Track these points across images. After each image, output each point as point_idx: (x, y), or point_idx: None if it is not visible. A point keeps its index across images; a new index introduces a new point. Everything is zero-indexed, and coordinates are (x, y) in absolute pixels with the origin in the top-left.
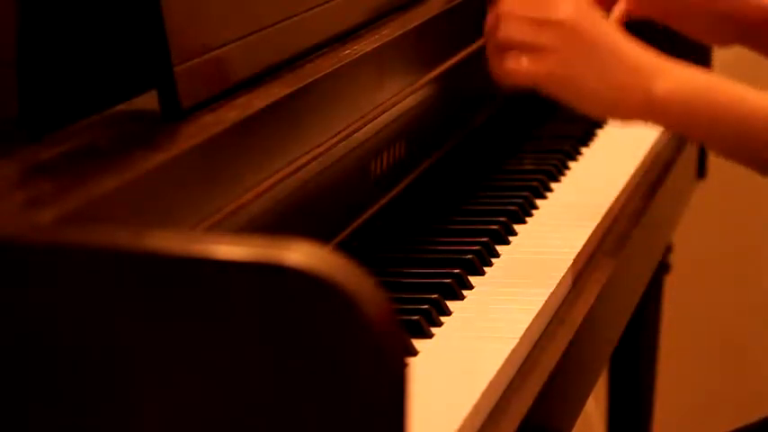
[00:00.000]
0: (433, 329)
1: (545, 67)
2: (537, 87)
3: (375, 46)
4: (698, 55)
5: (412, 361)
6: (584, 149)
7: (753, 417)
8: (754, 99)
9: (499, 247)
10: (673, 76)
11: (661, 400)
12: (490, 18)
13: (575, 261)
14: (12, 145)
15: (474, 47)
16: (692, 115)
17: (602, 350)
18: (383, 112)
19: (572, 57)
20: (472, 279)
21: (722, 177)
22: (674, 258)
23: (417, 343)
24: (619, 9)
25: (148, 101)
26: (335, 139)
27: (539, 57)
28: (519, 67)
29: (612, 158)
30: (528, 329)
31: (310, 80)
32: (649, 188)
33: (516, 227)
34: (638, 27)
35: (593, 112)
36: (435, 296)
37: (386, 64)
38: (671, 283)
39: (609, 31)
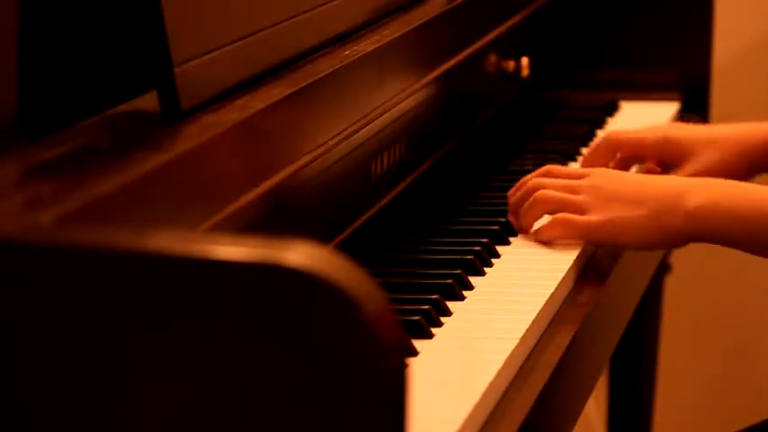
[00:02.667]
0: (434, 330)
1: (589, 220)
2: (589, 241)
3: (375, 46)
4: (697, 53)
5: (412, 361)
6: (584, 150)
7: (753, 417)
8: None
9: (499, 248)
10: (701, 185)
11: (661, 400)
12: (520, 190)
13: (575, 261)
14: (12, 145)
15: (474, 47)
16: (733, 218)
17: (602, 350)
18: (383, 113)
19: (608, 201)
20: (472, 279)
21: None
22: (674, 258)
23: (417, 343)
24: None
25: (148, 101)
26: (335, 140)
27: (580, 213)
28: (570, 221)
29: None
30: (528, 330)
31: (310, 80)
32: None
33: None
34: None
35: (637, 243)
36: (436, 296)
37: (386, 64)
38: (671, 283)
39: (631, 174)
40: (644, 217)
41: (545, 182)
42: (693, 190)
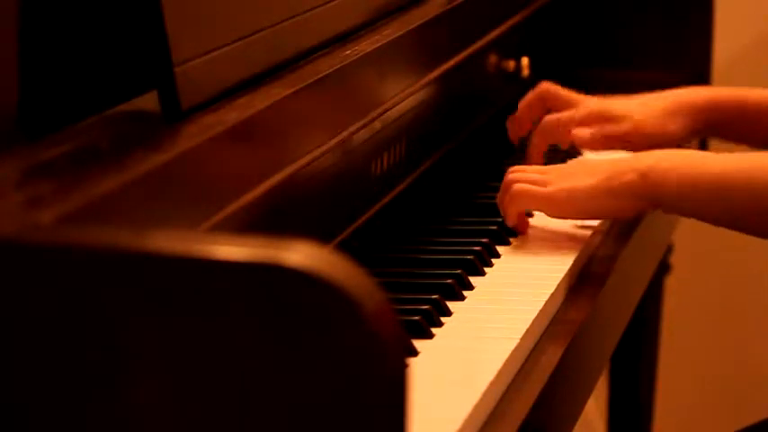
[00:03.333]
0: (434, 330)
1: (545, 190)
2: (544, 210)
3: (375, 46)
4: (697, 53)
5: (412, 361)
6: (585, 150)
7: (753, 417)
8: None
9: (499, 248)
10: (659, 152)
11: (661, 400)
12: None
13: (575, 262)
14: (12, 145)
15: (474, 47)
16: (685, 181)
17: (602, 350)
18: (383, 113)
19: (567, 176)
20: (472, 279)
21: None
22: (674, 258)
23: (417, 343)
24: None
25: (148, 101)
26: (336, 140)
27: (543, 185)
28: (525, 197)
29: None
30: (528, 330)
31: (310, 80)
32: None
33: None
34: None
35: (598, 209)
36: (436, 296)
37: (386, 64)
38: (671, 283)
39: (589, 162)
40: (598, 182)
41: (518, 175)
42: (646, 155)
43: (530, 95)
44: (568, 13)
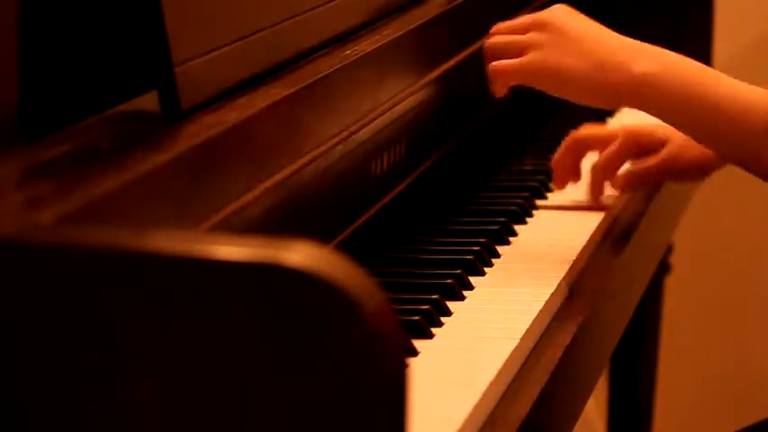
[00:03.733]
0: (434, 330)
1: (530, 60)
2: (525, 82)
3: (375, 46)
4: (697, 53)
5: (412, 361)
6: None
7: (753, 417)
8: (747, 87)
9: (499, 248)
10: (655, 57)
11: (661, 400)
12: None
13: (575, 261)
14: (12, 145)
15: (474, 47)
16: (677, 96)
17: (602, 350)
18: (383, 113)
19: (555, 46)
20: (472, 279)
21: (722, 177)
22: (674, 258)
23: (417, 343)
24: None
25: (148, 101)
26: (336, 140)
27: (526, 53)
28: (507, 64)
29: None
30: (528, 330)
31: (310, 80)
32: (650, 188)
33: (516, 227)
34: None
35: (576, 95)
36: (436, 296)
37: (386, 64)
38: (671, 283)
39: (593, 24)
40: (582, 69)
41: (497, 27)
42: (643, 55)
43: (567, 144)
44: None
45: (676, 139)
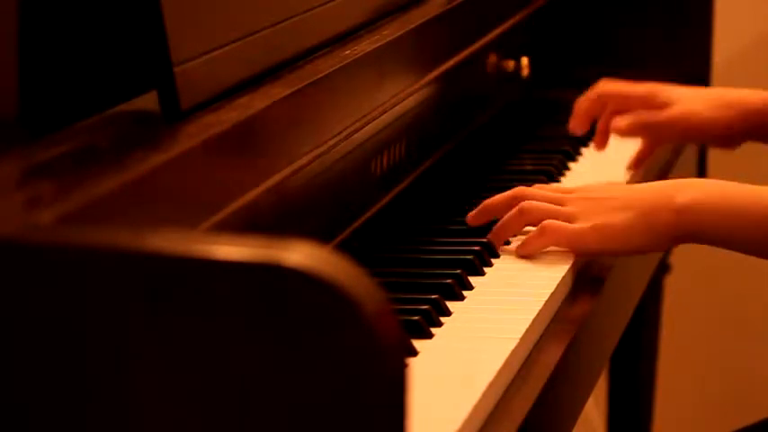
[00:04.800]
0: (433, 330)
1: (581, 227)
2: (576, 250)
3: (375, 46)
4: (697, 53)
5: (412, 361)
6: (584, 150)
7: (753, 417)
8: None
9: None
10: (693, 186)
11: (661, 400)
12: (507, 199)
13: (575, 261)
14: (12, 145)
15: (474, 47)
16: (728, 216)
17: (602, 350)
18: (383, 113)
19: (595, 210)
20: (472, 279)
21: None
22: (674, 258)
23: (417, 343)
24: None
25: (148, 101)
26: (336, 140)
27: (569, 222)
28: (561, 228)
29: (612, 159)
30: (528, 330)
31: (310, 80)
32: None
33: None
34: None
35: (630, 247)
36: (435, 296)
37: (386, 64)
38: (671, 283)
39: (614, 186)
40: (631, 219)
41: (529, 191)
42: (682, 188)
43: (588, 93)
44: (568, 13)
45: (683, 104)
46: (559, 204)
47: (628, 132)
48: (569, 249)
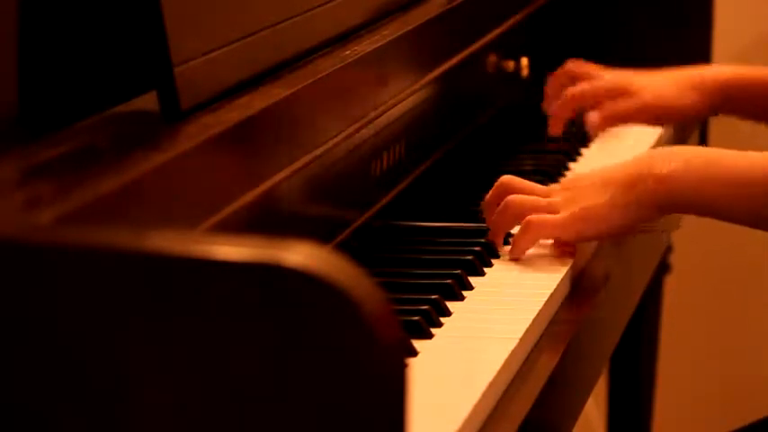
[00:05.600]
0: (433, 330)
1: (563, 216)
2: (563, 237)
3: (375, 46)
4: (697, 53)
5: (412, 361)
6: (583, 150)
7: (753, 416)
8: (755, 153)
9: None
10: (670, 156)
11: (661, 400)
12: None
13: (575, 261)
14: (12, 145)
15: (474, 47)
16: (705, 180)
17: (602, 350)
18: (383, 113)
19: (577, 197)
20: (472, 280)
21: None
22: (674, 258)
23: (417, 343)
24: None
25: (148, 101)
26: (336, 140)
27: (553, 212)
28: (546, 220)
29: (612, 159)
30: (528, 330)
31: (310, 80)
32: None
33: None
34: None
35: (618, 225)
36: (435, 297)
37: (386, 64)
38: (671, 283)
39: (592, 173)
40: (612, 197)
41: (513, 182)
42: (662, 157)
43: (557, 72)
44: (568, 13)
45: (651, 90)
46: (544, 195)
47: (603, 126)
48: (556, 238)
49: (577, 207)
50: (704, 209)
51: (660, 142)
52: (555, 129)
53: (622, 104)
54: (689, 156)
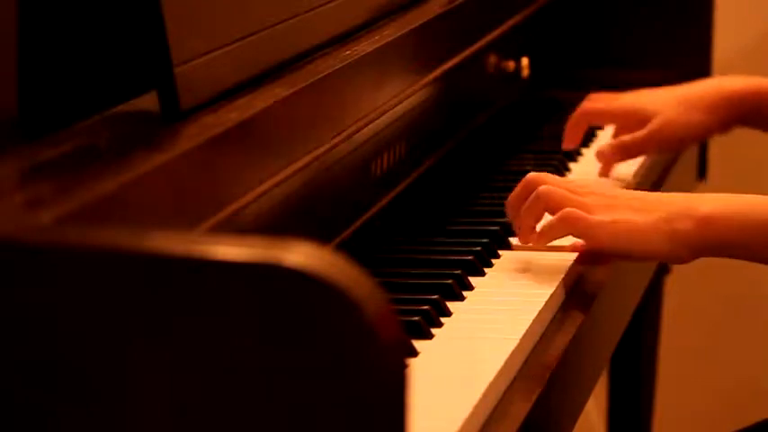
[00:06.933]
0: (434, 330)
1: (601, 219)
2: (592, 244)
3: (376, 46)
4: (697, 53)
5: (412, 362)
6: (584, 150)
7: (753, 417)
8: None
9: (499, 248)
10: (713, 196)
11: (661, 400)
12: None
13: (575, 261)
14: (12, 145)
15: (474, 47)
16: (745, 226)
17: (602, 350)
18: (384, 113)
19: (614, 206)
20: (472, 280)
21: (722, 178)
22: None
23: (417, 343)
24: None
25: (148, 101)
26: (336, 140)
27: (586, 210)
28: (580, 216)
29: None
30: (528, 330)
31: (311, 81)
32: (650, 189)
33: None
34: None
35: (646, 250)
36: (435, 297)
37: (386, 64)
38: (671, 283)
39: (635, 192)
40: (653, 221)
41: (543, 177)
42: (704, 199)
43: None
44: (568, 13)
45: (663, 115)
46: (575, 193)
47: (612, 159)
48: (585, 241)
49: (619, 216)
50: (743, 254)
51: None
52: (570, 143)
53: (630, 136)
54: (730, 200)
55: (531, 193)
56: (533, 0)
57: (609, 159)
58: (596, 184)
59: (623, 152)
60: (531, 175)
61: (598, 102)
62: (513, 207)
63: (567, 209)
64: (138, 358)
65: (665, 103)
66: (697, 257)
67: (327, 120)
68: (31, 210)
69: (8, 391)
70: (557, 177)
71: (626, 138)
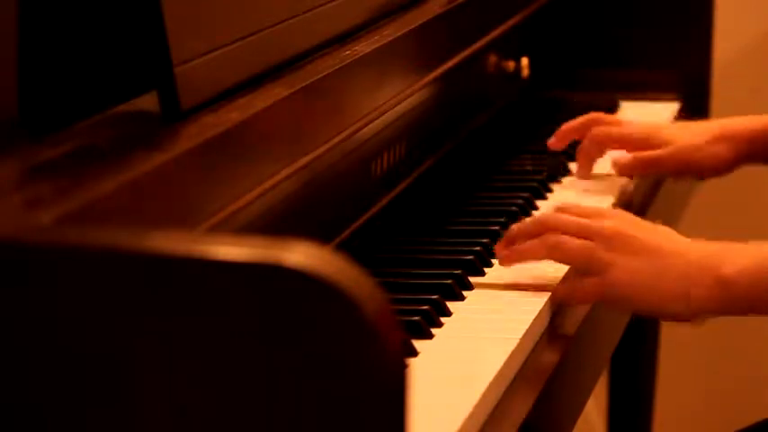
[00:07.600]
0: (434, 330)
1: (614, 278)
2: (602, 300)
3: (375, 47)
4: (697, 53)
5: (412, 362)
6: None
7: (753, 417)
8: None
9: None
10: (737, 255)
11: (661, 400)
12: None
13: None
14: (12, 145)
15: (474, 47)
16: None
17: (602, 351)
18: (384, 113)
19: (634, 253)
20: (472, 280)
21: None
22: None
23: (417, 343)
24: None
25: (148, 101)
26: (336, 140)
27: (598, 272)
28: (583, 286)
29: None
30: (528, 330)
31: (311, 81)
32: (649, 188)
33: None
34: (635, 26)
35: (667, 310)
36: (435, 297)
37: (386, 64)
38: None
39: (659, 231)
40: (672, 283)
41: (555, 221)
42: (729, 255)
43: (577, 120)
44: (568, 13)
45: (681, 140)
46: (590, 234)
47: (629, 172)
48: (596, 280)
49: (631, 276)
50: (758, 311)
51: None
52: (584, 171)
53: (647, 153)
54: (757, 257)
55: (540, 232)
56: (533, 0)
57: (628, 171)
58: (619, 219)
59: (642, 167)
60: (546, 215)
61: (610, 125)
62: (516, 237)
63: (590, 278)
64: (138, 358)
65: (681, 131)
66: (706, 319)
67: (327, 120)
68: (31, 210)
69: (8, 390)
70: (571, 213)
71: (647, 154)
